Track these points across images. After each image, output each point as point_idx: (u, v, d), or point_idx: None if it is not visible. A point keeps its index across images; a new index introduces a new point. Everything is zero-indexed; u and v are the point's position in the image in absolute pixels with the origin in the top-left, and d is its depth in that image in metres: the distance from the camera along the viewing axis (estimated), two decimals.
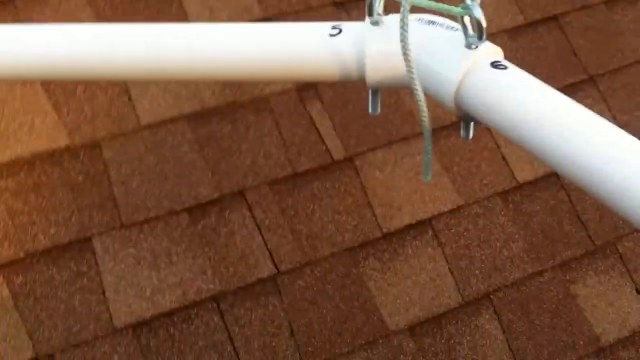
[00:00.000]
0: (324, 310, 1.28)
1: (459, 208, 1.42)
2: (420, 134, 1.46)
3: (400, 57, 0.56)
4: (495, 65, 0.53)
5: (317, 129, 1.42)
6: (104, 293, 1.20)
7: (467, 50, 0.54)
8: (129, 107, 1.36)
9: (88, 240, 1.24)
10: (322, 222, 1.35)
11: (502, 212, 1.44)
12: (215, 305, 1.24)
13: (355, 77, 0.61)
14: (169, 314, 1.21)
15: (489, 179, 1.45)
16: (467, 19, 0.54)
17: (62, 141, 1.30)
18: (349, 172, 1.40)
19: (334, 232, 1.34)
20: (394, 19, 0.58)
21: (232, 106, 1.40)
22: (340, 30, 0.60)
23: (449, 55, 0.55)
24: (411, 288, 1.34)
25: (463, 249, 1.39)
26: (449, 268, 1.37)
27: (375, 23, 0.58)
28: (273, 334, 1.25)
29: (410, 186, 1.41)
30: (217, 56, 0.63)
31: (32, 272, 1.19)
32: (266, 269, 1.28)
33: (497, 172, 1.47)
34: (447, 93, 0.54)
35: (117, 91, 1.37)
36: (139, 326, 1.20)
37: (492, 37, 1.50)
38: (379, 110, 0.64)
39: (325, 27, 0.62)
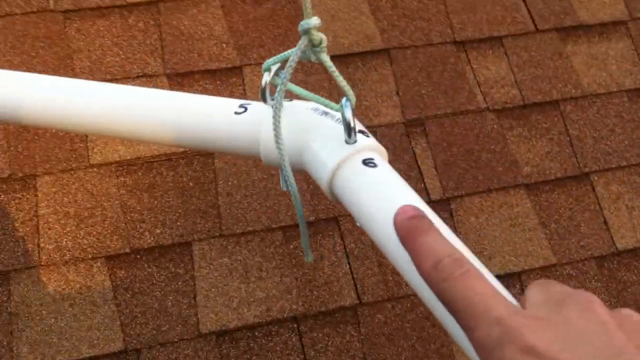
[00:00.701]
0: (400, 349, 1.30)
1: (551, 266, 1.40)
2: (521, 186, 1.45)
3: (287, 140, 0.61)
4: (366, 162, 0.56)
5: (418, 166, 1.45)
6: (195, 298, 1.28)
7: (345, 144, 0.58)
8: None
9: (188, 244, 1.32)
10: None
11: (596, 277, 1.41)
12: (295, 325, 1.29)
13: (253, 154, 0.66)
14: (252, 327, 1.27)
15: (586, 241, 1.43)
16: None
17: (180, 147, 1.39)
18: (443, 215, 1.41)
19: None
20: (294, 104, 0.64)
21: None
22: (246, 109, 0.65)
23: (330, 146, 0.59)
24: None
25: None
26: None
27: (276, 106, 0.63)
28: None
29: (504, 237, 1.41)
30: (130, 116, 0.70)
31: (134, 268, 1.29)
32: (349, 298, 1.32)
33: (597, 235, 1.44)
34: (322, 179, 0.59)
35: None
36: (222, 335, 1.27)
37: (609, 96, 1.47)
38: (286, 188, 0.67)
39: (234, 104, 0.67)
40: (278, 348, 1.27)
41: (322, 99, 0.61)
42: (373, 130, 1.46)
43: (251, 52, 1.50)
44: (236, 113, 0.65)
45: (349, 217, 1.38)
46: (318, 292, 1.31)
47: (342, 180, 0.57)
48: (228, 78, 1.48)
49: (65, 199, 1.32)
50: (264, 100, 0.63)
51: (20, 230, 1.29)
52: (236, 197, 1.37)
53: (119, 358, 1.23)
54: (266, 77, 0.61)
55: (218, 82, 1.48)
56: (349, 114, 0.56)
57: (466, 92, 1.52)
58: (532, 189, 1.46)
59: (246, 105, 0.66)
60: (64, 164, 1.34)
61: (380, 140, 1.45)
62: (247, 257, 1.33)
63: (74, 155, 1.35)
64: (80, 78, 1.39)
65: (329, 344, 1.28)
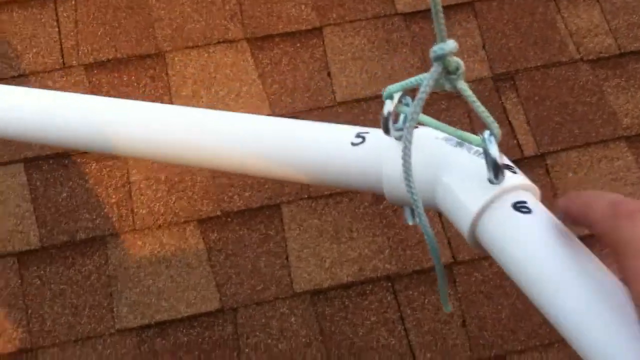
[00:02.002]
0: (499, 307, 1.27)
1: None
2: (622, 139, 1.39)
3: (416, 175, 0.50)
4: (517, 206, 0.46)
5: (509, 122, 1.40)
6: (287, 258, 1.27)
7: (488, 183, 0.47)
8: (327, 82, 1.42)
9: (277, 207, 1.32)
10: None
11: None
12: (390, 284, 1.27)
13: (374, 190, 0.56)
14: (346, 286, 1.26)
15: None
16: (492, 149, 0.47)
17: (265, 110, 1.38)
18: (539, 171, 1.36)
19: None
20: (421, 133, 0.53)
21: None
22: (364, 139, 0.56)
23: (470, 184, 0.48)
24: None
25: None
26: None
27: (399, 137, 0.53)
28: (444, 321, 1.26)
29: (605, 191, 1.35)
30: (235, 148, 0.61)
31: (225, 230, 1.29)
32: (443, 257, 1.29)
33: None
34: (463, 224, 0.48)
35: (317, 66, 1.43)
36: (316, 294, 1.26)
37: None
38: (410, 222, 0.57)
39: (350, 133, 0.57)
40: (373, 306, 1.26)
41: (458, 131, 0.51)
42: None
43: (330, 13, 1.48)
44: (353, 144, 0.56)
45: None
46: (411, 252, 1.29)
47: (488, 228, 0.47)
48: (308, 40, 1.46)
49: (155, 165, 1.33)
50: (387, 131, 0.53)
51: (114, 196, 1.31)
52: None
53: (217, 317, 1.24)
54: (389, 105, 0.52)
55: (298, 45, 1.46)
56: (494, 151, 0.46)
57: (557, 42, 1.46)
58: (633, 141, 1.39)
59: (364, 135, 0.56)
60: None
61: None
62: (336, 218, 1.31)
63: None
64: (163, 46, 1.40)
65: (426, 302, 1.26)
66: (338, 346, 1.24)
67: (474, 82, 1.42)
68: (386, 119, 0.53)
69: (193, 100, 1.39)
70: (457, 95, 1.41)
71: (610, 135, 1.38)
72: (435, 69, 0.46)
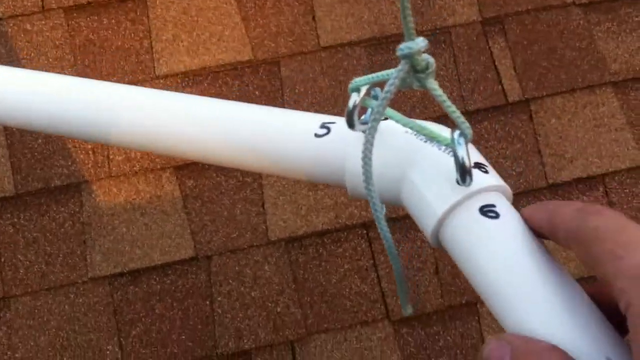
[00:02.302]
0: None
1: (638, 167, 1.30)
2: (609, 84, 1.35)
3: (381, 171, 0.47)
4: (484, 210, 0.43)
5: (496, 67, 1.35)
6: (263, 206, 1.26)
7: (456, 184, 0.44)
8: (312, 26, 1.37)
9: None
10: None
11: None
12: (365, 232, 1.26)
13: (337, 184, 0.53)
14: (321, 233, 1.25)
15: None
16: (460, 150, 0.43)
17: (246, 55, 1.34)
18: (522, 116, 1.33)
19: None
20: (390, 126, 0.49)
21: None
22: (328, 131, 0.52)
23: (438, 183, 0.45)
24: None
25: (635, 211, 1.29)
26: None
27: (365, 131, 0.49)
28: (417, 268, 1.25)
29: (588, 138, 1.31)
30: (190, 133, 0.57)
31: (202, 177, 1.28)
32: None
33: None
34: (427, 226, 0.45)
35: (302, 9, 1.38)
36: (291, 241, 1.25)
37: None
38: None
39: (314, 123, 0.53)
40: (347, 254, 1.24)
41: (427, 128, 0.47)
42: (447, 30, 1.37)
43: None
44: (317, 135, 0.52)
45: None
46: None
47: (452, 232, 0.44)
48: None
49: None
50: (351, 126, 0.49)
51: (90, 142, 1.29)
52: (303, 105, 1.32)
53: (190, 265, 1.24)
54: (354, 99, 0.49)
55: None
56: (463, 153, 0.43)
57: None
58: (620, 87, 1.35)
59: (329, 125, 0.53)
60: (131, 76, 1.33)
61: (455, 41, 1.37)
62: None
63: (140, 67, 1.33)
64: None
65: (399, 249, 1.25)
66: (311, 293, 1.23)
67: (462, 27, 1.38)
68: (351, 113, 0.49)
69: (174, 44, 1.36)
70: (443, 41, 1.37)
71: (597, 80, 1.34)
72: (402, 67, 0.42)
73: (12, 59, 1.32)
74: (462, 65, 1.36)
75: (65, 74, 1.30)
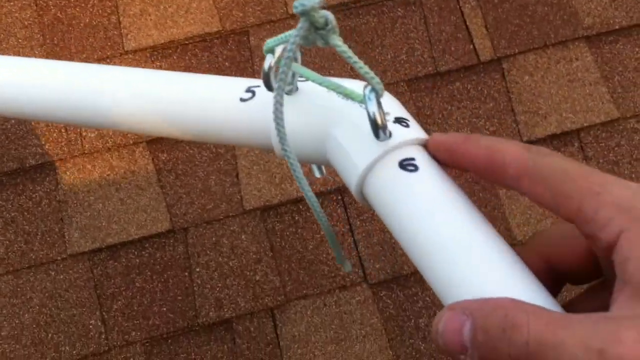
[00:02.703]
0: None
1: (613, 121, 1.30)
2: (582, 39, 1.33)
3: (305, 131, 0.47)
4: (404, 164, 0.42)
5: (467, 26, 1.34)
6: (237, 176, 1.26)
7: (375, 140, 0.44)
8: None
9: None
10: (459, 124, 1.30)
11: None
12: (340, 197, 1.26)
13: (263, 146, 0.52)
14: (295, 201, 1.25)
15: None
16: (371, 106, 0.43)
17: (215, 26, 1.34)
18: (494, 75, 1.32)
19: None
20: (309, 85, 0.49)
21: None
22: (253, 94, 0.52)
23: (359, 139, 0.45)
24: None
25: (611, 164, 1.28)
26: None
27: (289, 91, 0.49)
28: None
29: (561, 94, 1.31)
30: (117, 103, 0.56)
31: (175, 150, 1.28)
32: None
33: None
34: (351, 183, 0.45)
35: None
36: (266, 210, 1.26)
37: None
38: (322, 173, 0.54)
39: (240, 88, 0.53)
40: None
41: (341, 86, 0.46)
42: None
43: None
44: (242, 100, 0.52)
45: (393, 85, 1.31)
46: None
47: (374, 187, 0.44)
48: None
49: None
50: (269, 88, 0.49)
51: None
52: None
53: (167, 237, 1.25)
54: (269, 60, 0.48)
55: None
56: (373, 109, 0.42)
57: None
58: (593, 41, 1.34)
59: (254, 89, 0.52)
60: (100, 53, 1.33)
61: (425, 2, 1.36)
62: None
63: (109, 43, 1.33)
64: None
65: (374, 213, 1.25)
66: (288, 261, 1.25)
67: None
68: (267, 75, 0.48)
69: (141, 18, 1.35)
70: (413, 3, 1.36)
71: (570, 35, 1.33)
72: (302, 25, 0.42)
73: None
74: (433, 26, 1.35)
75: (34, 53, 1.30)
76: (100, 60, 1.32)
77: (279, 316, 1.24)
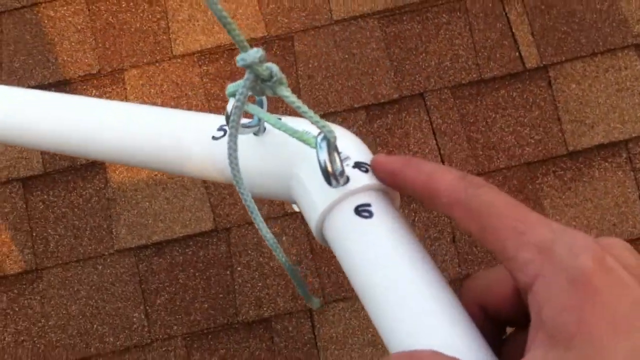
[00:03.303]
0: None
1: None
2: (631, 47, 1.31)
3: (270, 169, 0.48)
4: (359, 210, 0.43)
5: (513, 33, 1.34)
6: None
7: (329, 186, 0.45)
8: (324, 0, 1.38)
9: None
10: (503, 132, 1.29)
11: None
12: None
13: (233, 182, 0.52)
14: None
15: None
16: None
17: (260, 32, 1.37)
18: (540, 83, 1.31)
19: (514, 144, 1.28)
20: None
21: (425, 5, 1.36)
22: (225, 133, 0.53)
23: (318, 184, 0.45)
24: (591, 211, 1.26)
25: None
26: (639, 195, 1.25)
27: (256, 132, 0.50)
28: (434, 237, 1.26)
29: (609, 103, 1.29)
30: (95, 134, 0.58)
31: None
32: None
33: None
34: (310, 222, 0.46)
35: None
36: None
37: None
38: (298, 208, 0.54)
39: (213, 126, 0.54)
40: None
41: (297, 131, 0.47)
42: None
43: None
44: (214, 138, 0.54)
45: (437, 91, 1.31)
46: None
47: (330, 231, 0.45)
48: None
49: (152, 90, 1.35)
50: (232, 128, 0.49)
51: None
52: (317, 79, 1.34)
53: (211, 237, 1.28)
54: (231, 103, 0.49)
55: None
56: (324, 157, 0.43)
57: None
58: None
59: (226, 127, 0.53)
60: (149, 57, 1.37)
61: (470, 8, 1.36)
62: None
63: (158, 48, 1.37)
64: None
65: (415, 219, 1.26)
66: (328, 263, 1.26)
67: None
68: (228, 117, 0.49)
69: (189, 24, 1.39)
70: (458, 9, 1.36)
71: (620, 43, 1.30)
72: (247, 77, 0.43)
73: (37, 44, 1.38)
74: (478, 32, 1.34)
75: (87, 57, 1.35)
76: (149, 64, 1.36)
77: (317, 317, 1.26)
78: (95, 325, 1.27)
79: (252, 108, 0.49)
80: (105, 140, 0.58)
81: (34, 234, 1.30)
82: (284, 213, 1.27)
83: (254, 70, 0.42)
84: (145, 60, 1.36)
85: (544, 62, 1.31)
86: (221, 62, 1.36)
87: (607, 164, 1.28)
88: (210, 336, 1.27)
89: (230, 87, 0.49)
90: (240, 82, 0.45)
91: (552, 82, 1.31)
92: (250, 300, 1.26)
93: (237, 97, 0.44)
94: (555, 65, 1.31)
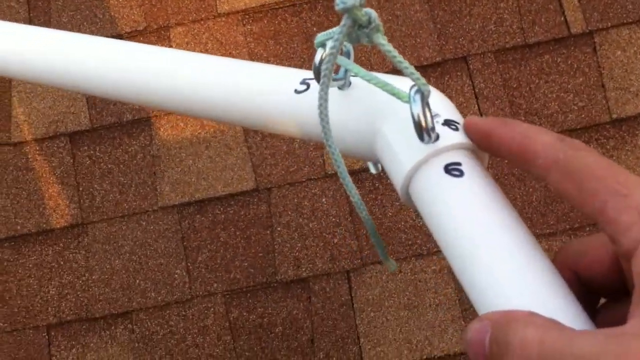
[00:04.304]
0: (530, 189, 1.25)
1: None
2: None
3: (354, 126, 0.47)
4: (449, 169, 0.42)
5: None
6: None
7: (420, 142, 0.43)
8: None
9: None
10: (546, 98, 1.29)
11: None
12: None
13: (316, 139, 0.52)
14: None
15: None
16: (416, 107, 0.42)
17: None
18: (585, 49, 1.30)
19: (557, 110, 1.28)
20: (362, 81, 0.48)
21: None
22: (308, 87, 0.51)
23: (407, 140, 0.44)
24: None
25: None
26: None
27: (342, 86, 0.49)
28: None
29: None
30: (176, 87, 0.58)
31: None
32: None
33: None
34: (397, 181, 0.45)
35: None
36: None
37: None
38: (378, 169, 0.52)
39: (295, 79, 0.52)
40: None
41: (388, 84, 0.45)
42: None
43: None
44: (296, 91, 0.52)
45: (481, 55, 1.31)
46: None
47: (418, 190, 0.43)
48: None
49: (197, 48, 1.36)
50: (319, 81, 0.47)
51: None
52: None
53: (252, 196, 1.30)
54: (320, 54, 0.48)
55: None
56: (418, 111, 0.42)
57: None
58: None
59: (309, 81, 0.52)
60: (194, 15, 1.37)
61: None
62: None
63: (203, 6, 1.38)
64: None
65: None
66: None
67: None
68: (317, 69, 0.47)
69: None
70: None
71: None
72: (344, 22, 0.41)
73: (85, 0, 1.39)
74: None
75: (133, 13, 1.36)
76: (195, 22, 1.37)
77: (354, 279, 1.27)
78: (137, 281, 1.30)
79: (341, 59, 0.47)
80: (185, 91, 0.58)
81: (81, 189, 1.33)
82: (324, 174, 1.28)
83: (353, 14, 0.40)
84: (190, 18, 1.37)
85: (589, 28, 1.29)
86: (265, 22, 1.36)
87: (594, 149, 1.27)
88: (249, 294, 1.29)
89: (320, 36, 0.47)
90: (335, 29, 0.43)
91: (597, 49, 1.29)
92: (289, 260, 1.28)
93: (331, 44, 0.42)
94: (601, 31, 1.30)
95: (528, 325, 0.32)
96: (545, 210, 1.24)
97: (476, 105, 1.28)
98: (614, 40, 1.29)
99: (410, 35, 1.32)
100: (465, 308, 1.25)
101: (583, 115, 1.27)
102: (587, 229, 1.23)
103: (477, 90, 1.29)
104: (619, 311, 0.33)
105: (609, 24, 1.29)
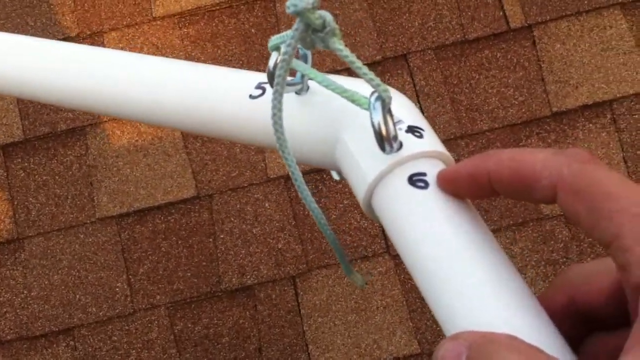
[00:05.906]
0: None
1: None
2: (617, 6, 1.29)
3: (313, 132, 0.44)
4: (414, 180, 0.39)
5: None
6: None
7: (381, 152, 0.40)
8: None
9: None
10: (486, 94, 1.28)
11: None
12: None
13: (271, 147, 0.49)
14: (319, 170, 1.26)
15: None
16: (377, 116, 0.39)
17: None
18: (524, 43, 1.29)
19: (497, 106, 1.27)
20: (320, 87, 0.45)
21: None
22: (264, 91, 0.49)
23: (368, 150, 0.41)
24: None
25: None
26: (623, 157, 1.24)
27: (299, 91, 0.46)
28: None
29: (594, 63, 1.27)
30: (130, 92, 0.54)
31: None
32: None
33: None
34: (359, 194, 0.42)
35: None
36: (290, 178, 1.26)
37: None
38: (343, 177, 0.49)
39: (250, 84, 0.50)
40: (347, 189, 1.25)
41: (347, 90, 0.42)
42: None
43: None
44: (251, 97, 0.49)
45: (420, 52, 1.29)
46: None
47: (381, 202, 0.41)
48: None
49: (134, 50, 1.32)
50: (272, 85, 0.45)
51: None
52: None
53: (193, 204, 1.27)
54: (274, 58, 0.45)
55: None
56: (378, 119, 0.39)
57: None
58: (629, 7, 1.29)
59: (264, 86, 0.50)
60: (129, 19, 1.34)
61: None
62: None
63: (137, 10, 1.34)
64: None
65: None
66: (311, 229, 1.25)
67: None
68: (271, 73, 0.45)
69: None
70: None
71: (605, 2, 1.28)
72: (297, 26, 0.38)
73: (16, 7, 1.35)
74: None
75: (65, 19, 1.32)
76: (129, 26, 1.33)
77: (300, 284, 1.25)
78: (77, 296, 1.26)
79: (297, 64, 0.44)
80: (133, 96, 0.54)
81: (15, 203, 1.29)
82: (266, 179, 1.26)
83: (306, 18, 0.37)
84: (125, 23, 1.33)
85: (528, 22, 1.29)
86: (202, 24, 1.33)
87: (591, 125, 1.26)
88: (193, 305, 1.26)
89: (274, 39, 0.44)
90: (287, 32, 0.40)
91: (537, 42, 1.29)
92: (233, 268, 1.26)
93: (284, 49, 0.39)
94: (540, 25, 1.29)
95: (512, 350, 0.29)
96: (489, 207, 1.24)
97: (418, 103, 1.27)
98: (553, 33, 1.29)
99: (349, 34, 1.30)
100: (413, 309, 1.23)
101: (524, 110, 1.27)
102: (531, 224, 1.23)
103: (418, 88, 1.28)
104: (607, 343, 0.31)
105: (548, 17, 1.29)
